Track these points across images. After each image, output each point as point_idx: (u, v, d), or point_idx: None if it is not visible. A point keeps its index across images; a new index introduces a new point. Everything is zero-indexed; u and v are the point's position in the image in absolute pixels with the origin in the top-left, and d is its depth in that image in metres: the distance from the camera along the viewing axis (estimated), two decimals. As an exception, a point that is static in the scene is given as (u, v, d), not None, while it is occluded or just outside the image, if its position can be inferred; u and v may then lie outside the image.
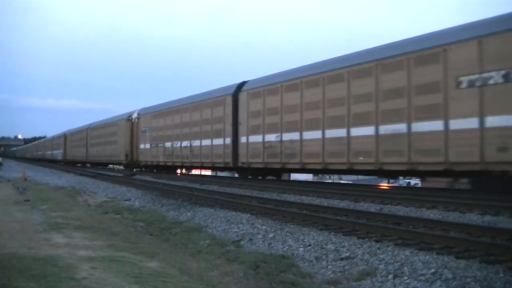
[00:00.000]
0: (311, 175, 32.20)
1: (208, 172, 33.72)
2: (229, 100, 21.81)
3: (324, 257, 6.83)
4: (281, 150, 18.12)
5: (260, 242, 8.15)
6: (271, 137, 18.68)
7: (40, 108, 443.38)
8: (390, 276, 5.65)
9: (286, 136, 17.84)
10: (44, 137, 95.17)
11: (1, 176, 27.76)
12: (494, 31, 11.32)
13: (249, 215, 10.39)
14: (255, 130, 19.85)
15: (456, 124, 11.86)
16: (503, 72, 10.96)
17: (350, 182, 26.78)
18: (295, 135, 17.39)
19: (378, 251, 6.66)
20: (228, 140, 21.69)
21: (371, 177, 30.47)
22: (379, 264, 6.16)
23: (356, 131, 14.71)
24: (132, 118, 33.63)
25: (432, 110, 12.40)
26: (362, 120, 14.48)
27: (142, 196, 16.28)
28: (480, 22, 12.20)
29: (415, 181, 31.58)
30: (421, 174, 16.56)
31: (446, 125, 12.07)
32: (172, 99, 29.27)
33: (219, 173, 32.44)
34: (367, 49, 15.69)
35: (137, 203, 14.75)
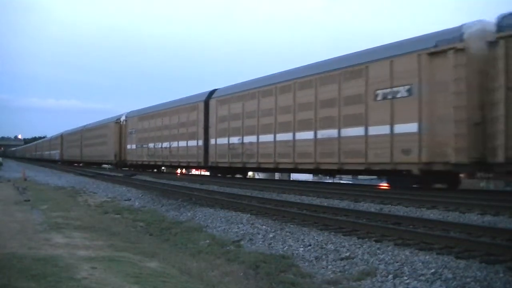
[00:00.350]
0: (311, 175, 32.27)
1: (208, 173, 33.81)
2: (201, 106, 24.40)
3: (324, 257, 6.83)
4: (242, 151, 20.70)
5: (260, 242, 8.15)
6: (235, 140, 21.32)
7: (40, 108, 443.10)
8: (390, 276, 5.65)
9: (246, 139, 20.49)
10: (44, 137, 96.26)
11: (1, 176, 27.76)
12: (401, 52, 13.55)
13: (249, 215, 10.39)
14: (222, 133, 22.41)
15: (373, 130, 14.20)
16: (407, 87, 13.19)
17: (350, 182, 26.79)
18: (253, 138, 20.02)
19: (378, 251, 6.66)
20: (201, 142, 24.35)
21: (372, 177, 30.51)
22: (379, 264, 6.16)
23: (300, 135, 17.12)
24: (120, 121, 36.23)
25: (356, 118, 14.75)
26: (304, 126, 16.87)
27: (142, 196, 16.29)
28: (393, 44, 14.60)
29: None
30: (348, 172, 19.36)
31: (366, 131, 14.41)
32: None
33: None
34: (310, 64, 18.11)
35: (137, 203, 14.75)
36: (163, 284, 5.11)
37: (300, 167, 17.55)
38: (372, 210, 10.35)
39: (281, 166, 18.78)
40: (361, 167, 14.79)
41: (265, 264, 6.51)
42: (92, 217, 11.16)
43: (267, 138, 18.96)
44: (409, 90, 13.04)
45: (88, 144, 44.76)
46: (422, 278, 5.45)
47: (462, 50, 11.85)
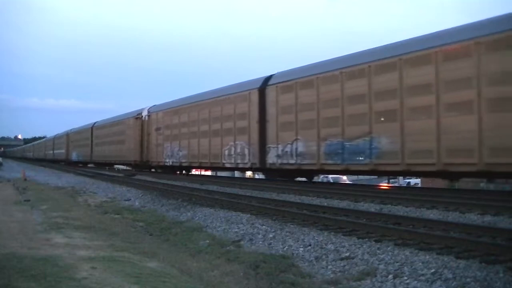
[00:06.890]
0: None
1: (208, 172, 33.89)
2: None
3: (324, 257, 6.83)
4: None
5: (260, 242, 8.15)
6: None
7: (40, 108, 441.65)
8: (390, 276, 5.64)
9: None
10: (44, 137, 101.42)
11: (1, 176, 27.75)
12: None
13: (249, 215, 10.39)
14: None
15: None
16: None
17: (350, 182, 26.77)
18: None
19: (378, 251, 6.66)
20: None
21: (372, 177, 30.55)
22: (379, 264, 6.16)
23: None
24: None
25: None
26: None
27: (142, 196, 16.28)
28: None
29: (415, 181, 31.57)
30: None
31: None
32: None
33: (219, 173, 32.67)
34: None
35: (137, 203, 14.75)
36: (163, 284, 5.11)
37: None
38: (372, 210, 10.34)
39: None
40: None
41: (265, 264, 6.51)
42: (92, 217, 11.15)
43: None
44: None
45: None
46: (422, 278, 5.45)
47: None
